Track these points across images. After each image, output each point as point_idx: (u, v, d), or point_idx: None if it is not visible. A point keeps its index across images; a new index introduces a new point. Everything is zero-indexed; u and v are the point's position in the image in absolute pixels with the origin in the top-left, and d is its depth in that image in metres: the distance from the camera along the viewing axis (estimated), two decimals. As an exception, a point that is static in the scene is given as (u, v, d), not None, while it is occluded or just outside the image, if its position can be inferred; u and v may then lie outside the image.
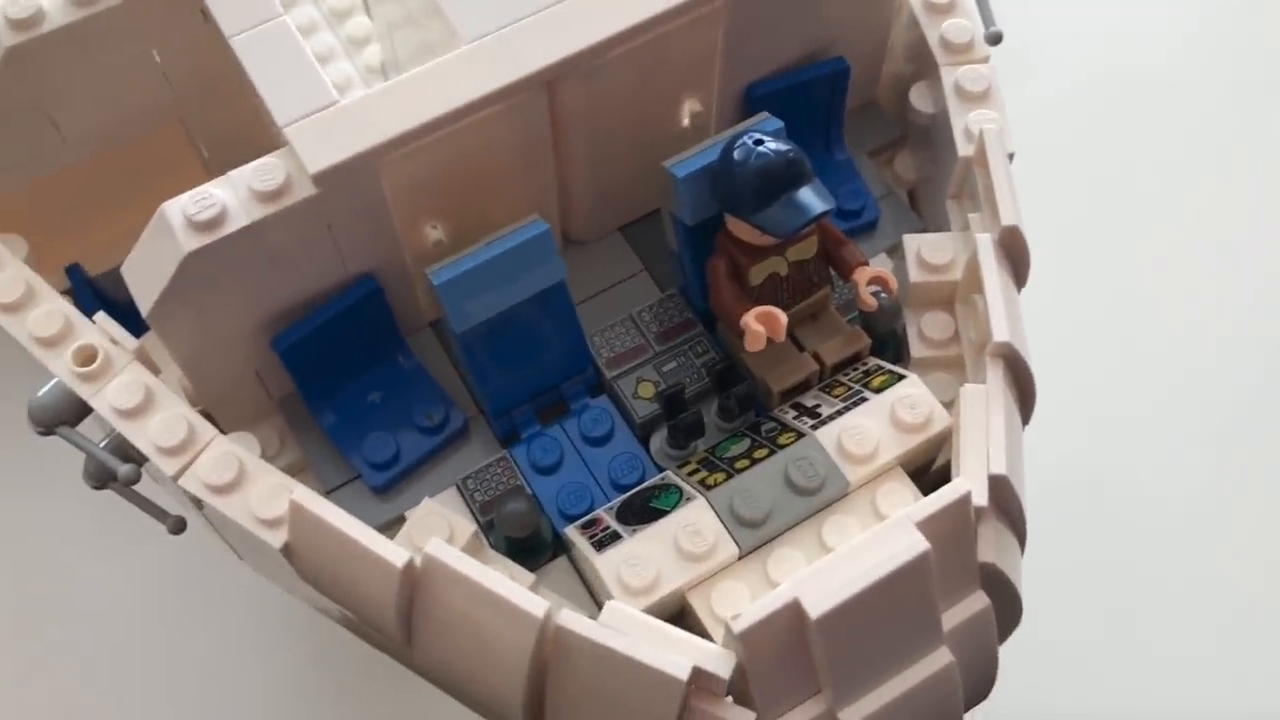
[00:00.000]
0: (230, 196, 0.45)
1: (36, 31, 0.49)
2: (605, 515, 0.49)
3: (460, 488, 0.52)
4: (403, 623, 0.45)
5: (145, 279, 0.46)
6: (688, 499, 0.47)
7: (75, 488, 0.53)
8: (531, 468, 0.52)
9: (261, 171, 0.45)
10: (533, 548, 0.50)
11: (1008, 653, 0.48)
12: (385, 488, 0.52)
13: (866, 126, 0.62)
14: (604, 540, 0.47)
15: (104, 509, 0.61)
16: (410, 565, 0.43)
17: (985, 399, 0.47)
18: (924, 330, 0.53)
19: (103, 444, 0.50)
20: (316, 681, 0.71)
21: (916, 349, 0.53)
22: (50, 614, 0.74)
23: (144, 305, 0.46)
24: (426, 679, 0.52)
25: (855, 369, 0.52)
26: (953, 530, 0.44)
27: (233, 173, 0.46)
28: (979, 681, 0.48)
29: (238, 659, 0.72)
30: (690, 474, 0.49)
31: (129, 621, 0.73)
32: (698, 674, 0.41)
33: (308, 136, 0.46)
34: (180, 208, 0.45)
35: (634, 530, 0.47)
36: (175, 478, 0.47)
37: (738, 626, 0.41)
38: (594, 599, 0.50)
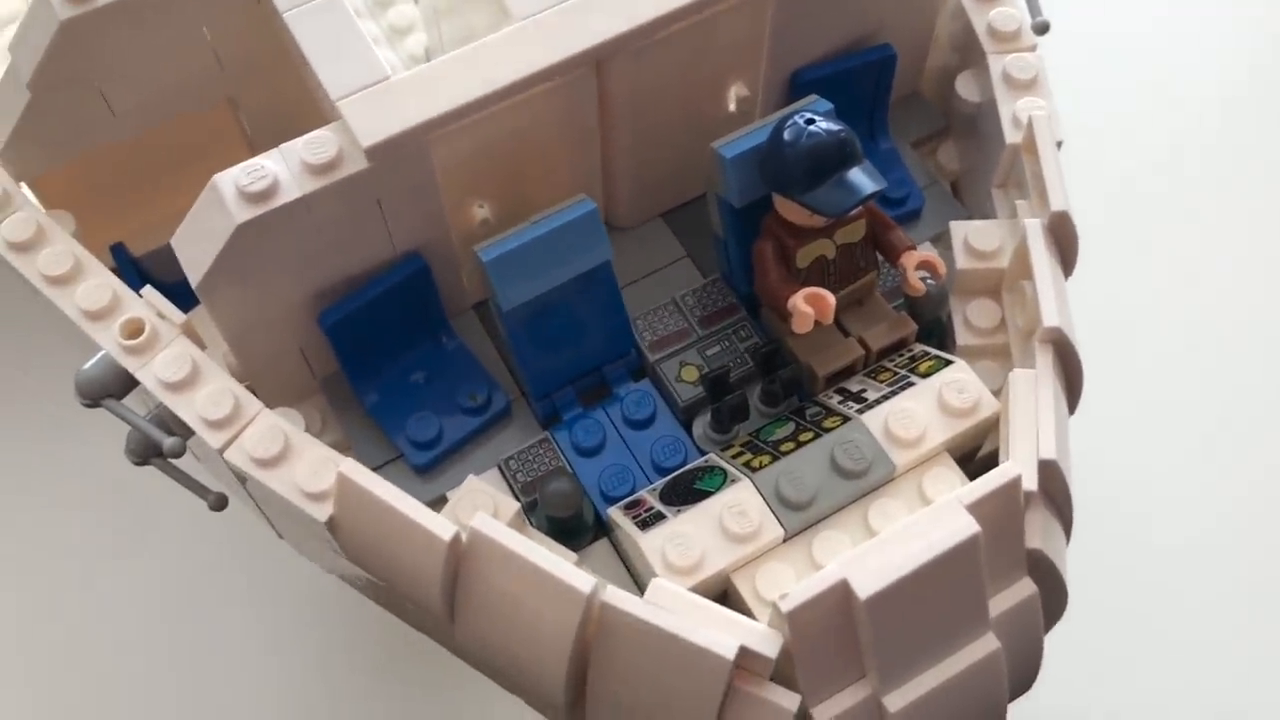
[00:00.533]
0: (282, 169, 0.45)
1: (92, 5, 0.50)
2: (648, 496, 0.48)
3: (502, 468, 0.52)
4: (446, 598, 0.45)
5: (196, 250, 0.46)
6: (732, 480, 0.47)
7: (115, 467, 0.53)
8: (573, 449, 0.52)
9: (314, 144, 0.46)
10: (574, 529, 0.50)
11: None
12: (427, 467, 0.52)
13: (910, 117, 0.62)
14: (648, 520, 0.47)
15: (140, 491, 0.62)
16: (456, 538, 0.43)
17: (1035, 384, 0.47)
18: (970, 318, 0.53)
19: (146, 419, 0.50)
20: (350, 663, 0.71)
21: (962, 336, 0.53)
22: (83, 593, 0.74)
23: (194, 276, 0.46)
24: (465, 659, 0.52)
25: (901, 355, 0.51)
26: (1002, 514, 0.43)
27: (284, 145, 0.46)
28: (1024, 671, 0.47)
29: (272, 641, 0.72)
30: (734, 457, 0.49)
31: (163, 603, 0.73)
32: (744, 654, 0.41)
33: (361, 110, 0.46)
34: (232, 179, 0.45)
35: (678, 510, 0.47)
36: (221, 450, 0.47)
37: (785, 605, 0.40)
38: (635, 581, 0.50)
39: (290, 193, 0.45)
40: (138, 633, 0.73)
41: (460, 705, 0.69)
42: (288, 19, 0.48)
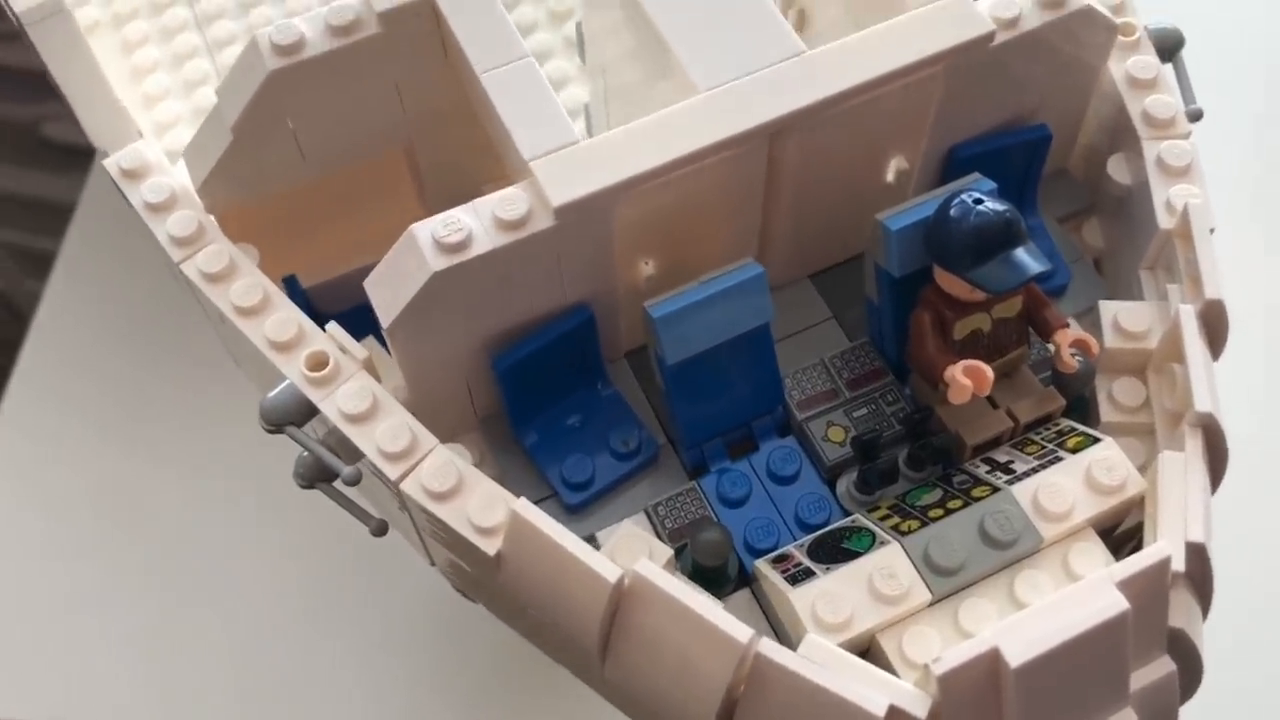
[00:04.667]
0: (476, 223, 0.48)
1: (297, 57, 0.53)
2: (796, 552, 0.50)
3: (649, 513, 0.54)
4: (603, 636, 0.47)
5: (389, 293, 0.49)
6: (881, 543, 0.49)
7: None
8: (719, 499, 0.54)
9: (506, 202, 0.48)
10: (719, 578, 0.52)
11: None
12: (579, 507, 0.54)
13: (1056, 194, 0.63)
14: (798, 575, 0.49)
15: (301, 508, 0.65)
16: (620, 580, 0.45)
17: (1184, 466, 0.48)
18: (1115, 395, 0.54)
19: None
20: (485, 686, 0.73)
21: (1106, 413, 0.54)
22: (197, 606, 0.78)
23: (385, 318, 0.49)
24: (605, 694, 0.53)
25: (1048, 428, 0.53)
26: (1149, 593, 0.44)
27: (478, 201, 0.49)
28: (1156, 746, 0.48)
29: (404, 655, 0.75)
30: (881, 519, 0.51)
31: (299, 614, 0.77)
32: (893, 713, 0.42)
33: (552, 171, 0.49)
34: (430, 230, 0.48)
35: (828, 569, 0.48)
36: (398, 482, 0.49)
37: (938, 669, 0.42)
38: (775, 632, 0.51)
39: (482, 246, 0.48)
40: (277, 622, 0.76)
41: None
42: (485, 80, 0.51)
